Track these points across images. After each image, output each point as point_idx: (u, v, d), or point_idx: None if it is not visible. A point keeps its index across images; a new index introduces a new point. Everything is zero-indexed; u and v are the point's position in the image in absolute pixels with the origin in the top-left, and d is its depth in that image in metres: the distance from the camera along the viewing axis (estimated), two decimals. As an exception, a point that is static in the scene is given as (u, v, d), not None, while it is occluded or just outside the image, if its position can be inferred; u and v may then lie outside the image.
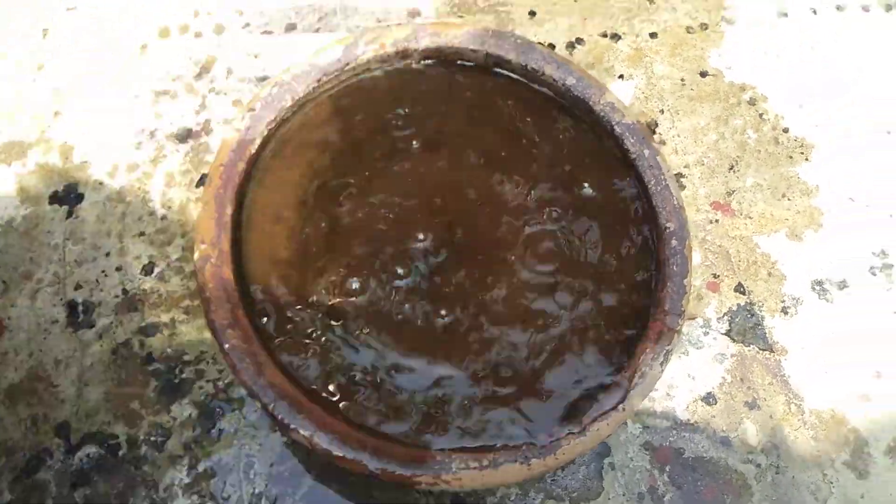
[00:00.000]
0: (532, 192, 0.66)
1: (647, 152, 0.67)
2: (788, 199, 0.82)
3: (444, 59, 0.70)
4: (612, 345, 0.60)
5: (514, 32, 0.70)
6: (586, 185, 0.67)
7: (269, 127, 0.63)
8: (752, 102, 0.87)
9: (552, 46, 0.88)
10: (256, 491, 0.64)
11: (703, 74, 0.88)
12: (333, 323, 0.58)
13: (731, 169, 0.83)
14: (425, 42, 0.68)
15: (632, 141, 0.67)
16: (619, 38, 0.90)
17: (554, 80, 0.68)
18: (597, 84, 0.68)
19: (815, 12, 0.94)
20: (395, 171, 0.65)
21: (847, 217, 0.82)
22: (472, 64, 0.70)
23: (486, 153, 0.67)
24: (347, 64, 0.66)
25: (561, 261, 0.63)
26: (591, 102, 0.68)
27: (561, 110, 0.69)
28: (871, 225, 0.81)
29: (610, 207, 0.66)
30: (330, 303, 0.59)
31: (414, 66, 0.70)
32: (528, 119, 0.69)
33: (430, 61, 0.70)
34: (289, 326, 0.58)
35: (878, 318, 0.77)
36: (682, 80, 0.88)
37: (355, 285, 0.60)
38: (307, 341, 0.57)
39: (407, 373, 0.58)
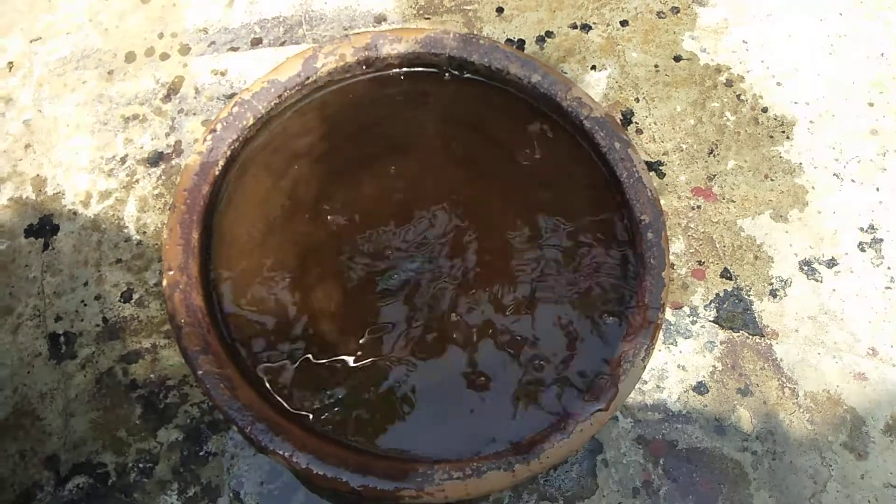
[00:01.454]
0: (507, 196, 0.65)
1: (617, 145, 0.66)
2: (771, 180, 0.81)
3: (407, 65, 0.69)
4: (593, 342, 0.60)
5: (475, 34, 0.69)
6: (561, 184, 0.66)
7: (233, 147, 0.62)
8: (728, 84, 0.86)
9: (522, 42, 0.87)
10: (247, 512, 0.64)
11: (678, 59, 0.87)
12: (311, 342, 0.58)
13: (710, 153, 0.82)
14: (386, 50, 0.67)
15: (602, 135, 0.66)
16: (590, 28, 0.88)
17: (519, 78, 0.67)
18: (563, 79, 0.67)
19: (789, -13, 0.93)
20: (367, 184, 0.65)
21: (832, 194, 0.80)
22: (436, 69, 0.69)
23: (457, 159, 0.66)
24: (308, 78, 0.65)
25: (539, 261, 0.62)
26: (558, 98, 0.67)
27: (530, 108, 0.69)
28: (857, 200, 0.80)
29: (585, 203, 0.65)
30: (307, 321, 0.59)
31: (378, 74, 0.69)
32: (498, 120, 0.68)
33: (394, 69, 0.69)
34: (265, 347, 0.57)
35: (869, 295, 0.76)
36: (656, 66, 0.86)
37: (332, 304, 0.60)
38: (284, 361, 0.57)
39: (387, 380, 0.57)
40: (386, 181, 0.65)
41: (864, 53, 0.88)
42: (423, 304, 0.60)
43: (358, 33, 0.67)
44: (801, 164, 0.82)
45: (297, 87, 0.65)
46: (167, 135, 0.80)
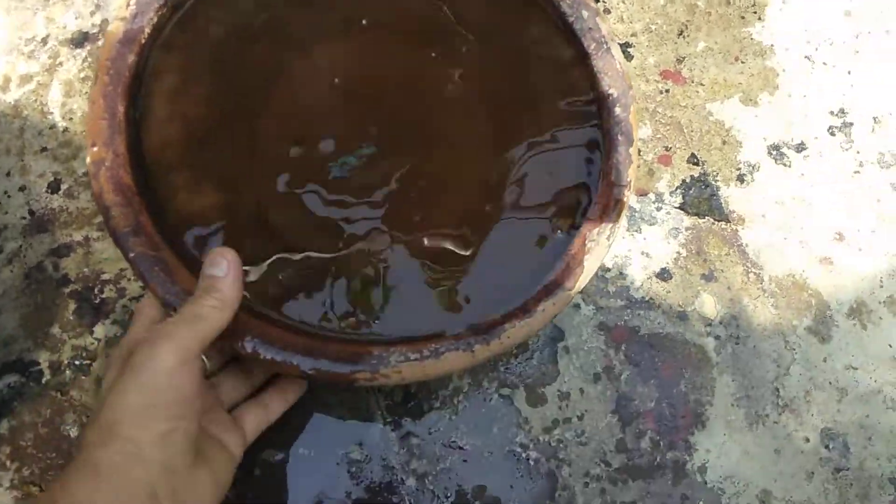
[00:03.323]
0: (470, 72, 0.61)
1: (585, 14, 0.61)
2: (742, 63, 0.77)
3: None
4: (556, 222, 0.57)
5: None
6: (525, 57, 0.62)
7: (160, 13, 0.56)
8: (700, -40, 0.81)
9: (481, -87, 0.80)
10: (196, 408, 0.61)
11: (647, -67, 0.81)
12: (257, 222, 0.54)
13: (680, 34, 0.78)
14: None
15: (568, 2, 0.61)
16: None
17: (478, -60, 0.62)
18: (526, -57, 0.62)
19: None
20: (317, 59, 0.60)
21: (803, 77, 0.77)
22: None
23: (415, 32, 0.62)
24: (245, -64, 0.59)
25: (503, 138, 0.59)
26: (520, -36, 0.61)
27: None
28: (828, 83, 0.77)
29: (550, 78, 0.61)
30: (252, 201, 0.54)
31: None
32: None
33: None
34: (202, 227, 0.53)
35: (838, 179, 0.74)
36: (625, -60, 0.81)
37: (279, 185, 0.55)
38: (224, 239, 0.53)
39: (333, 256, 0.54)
40: (339, 56, 0.60)
41: (841, -72, 0.83)
42: (378, 184, 0.57)
43: None
44: (772, 45, 0.78)
45: (232, -53, 0.59)
46: (92, 13, 0.73)
